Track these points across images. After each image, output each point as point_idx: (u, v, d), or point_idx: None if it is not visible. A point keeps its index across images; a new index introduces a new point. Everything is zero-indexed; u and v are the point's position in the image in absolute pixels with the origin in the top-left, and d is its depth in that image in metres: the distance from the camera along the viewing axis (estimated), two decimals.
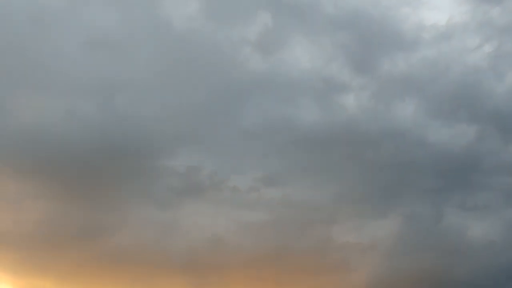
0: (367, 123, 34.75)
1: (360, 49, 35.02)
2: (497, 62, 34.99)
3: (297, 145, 34.69)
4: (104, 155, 33.61)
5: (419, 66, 34.71)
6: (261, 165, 36.03)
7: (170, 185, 36.19)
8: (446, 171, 34.81)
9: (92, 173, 36.61)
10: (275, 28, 33.70)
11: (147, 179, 37.53)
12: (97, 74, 32.51)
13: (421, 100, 34.44)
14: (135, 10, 33.69)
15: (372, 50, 35.10)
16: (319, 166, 36.40)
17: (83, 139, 31.73)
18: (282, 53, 35.08)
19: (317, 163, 36.23)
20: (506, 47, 34.72)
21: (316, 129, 32.45)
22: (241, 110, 33.39)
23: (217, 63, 34.33)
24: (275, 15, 33.57)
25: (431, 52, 34.69)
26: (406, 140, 35.17)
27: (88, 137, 31.86)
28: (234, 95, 35.45)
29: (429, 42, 34.38)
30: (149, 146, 33.42)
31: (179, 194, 37.50)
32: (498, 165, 33.99)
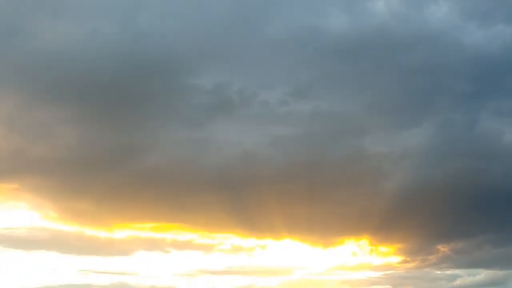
0: (398, 28, 33.35)
1: None
2: None
3: (326, 55, 33.62)
4: (130, 76, 33.16)
5: None
6: (290, 78, 35.18)
7: (199, 103, 35.76)
8: (481, 75, 33.51)
9: (120, 95, 36.34)
10: None
11: (175, 98, 37.16)
12: None
13: (455, 1, 32.80)
14: None
15: None
16: (349, 75, 35.40)
17: (108, 61, 31.23)
18: None
19: (347, 73, 35.22)
20: None
21: (345, 37, 31.29)
22: (267, 21, 32.26)
23: None
24: None
25: None
26: (439, 43, 33.77)
27: (113, 58, 31.33)
28: (259, 6, 34.21)
29: None
30: (175, 65, 32.77)
31: (208, 112, 37.19)
32: None
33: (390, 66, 32.34)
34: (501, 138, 32.12)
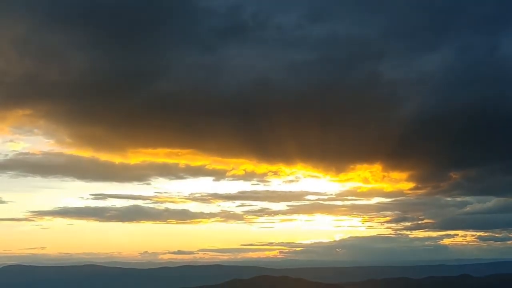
0: None
1: None
2: None
3: None
4: None
5: None
6: (306, 1, 33.46)
7: (212, 27, 34.45)
8: None
9: (133, 19, 34.94)
10: None
11: (188, 22, 35.78)
12: None
13: None
14: None
15: None
16: None
17: None
18: None
19: None
20: None
21: None
22: None
23: None
24: None
25: None
26: None
27: None
28: None
29: None
30: None
31: (221, 36, 35.99)
32: None
33: None
34: None
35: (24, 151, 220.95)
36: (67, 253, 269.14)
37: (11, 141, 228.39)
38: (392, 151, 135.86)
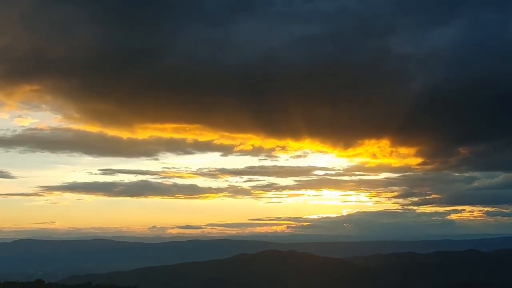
0: None
1: None
2: None
3: None
4: None
5: None
6: None
7: (220, 2, 34.16)
8: None
9: None
10: None
11: None
12: None
13: None
14: None
15: None
16: None
17: None
18: None
19: None
20: None
21: None
22: None
23: None
24: None
25: None
26: None
27: None
28: None
29: None
30: None
31: (229, 9, 35.62)
32: None
33: None
34: None
35: (32, 126, 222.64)
36: (76, 228, 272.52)
37: (19, 116, 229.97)
38: (400, 126, 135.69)
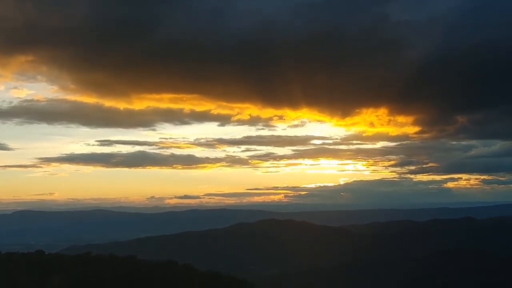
0: None
1: None
2: None
3: None
4: None
5: None
6: None
7: None
8: None
9: None
10: None
11: None
12: None
13: None
14: None
15: None
16: None
17: None
18: None
19: None
20: None
21: None
22: None
23: None
24: None
25: None
26: None
27: None
28: None
29: None
30: None
31: None
32: None
33: None
34: None
35: (28, 98, 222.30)
36: (75, 199, 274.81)
37: (15, 88, 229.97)
38: (398, 94, 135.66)
